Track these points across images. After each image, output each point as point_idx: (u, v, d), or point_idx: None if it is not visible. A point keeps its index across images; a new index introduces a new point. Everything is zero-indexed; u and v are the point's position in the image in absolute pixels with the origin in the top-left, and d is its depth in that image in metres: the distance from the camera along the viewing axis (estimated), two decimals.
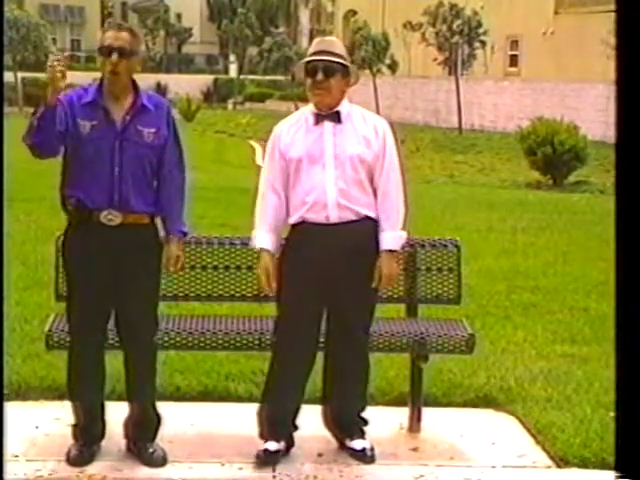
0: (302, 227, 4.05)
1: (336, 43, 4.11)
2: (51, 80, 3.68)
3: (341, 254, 4.00)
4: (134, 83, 3.98)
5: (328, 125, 4.03)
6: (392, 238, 4.06)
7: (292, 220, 4.08)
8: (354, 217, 4.01)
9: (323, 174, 3.99)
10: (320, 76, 3.97)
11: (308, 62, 4.01)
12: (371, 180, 4.05)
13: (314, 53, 4.03)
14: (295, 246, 4.08)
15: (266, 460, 4.09)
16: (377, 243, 4.05)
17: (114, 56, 3.84)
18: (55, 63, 3.68)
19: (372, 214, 4.04)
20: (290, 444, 4.20)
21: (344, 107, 4.06)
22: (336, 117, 4.03)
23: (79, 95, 3.95)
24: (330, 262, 4.00)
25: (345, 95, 4.07)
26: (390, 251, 4.06)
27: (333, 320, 4.12)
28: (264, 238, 4.11)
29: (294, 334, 4.08)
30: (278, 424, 4.17)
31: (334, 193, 3.98)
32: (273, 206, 4.09)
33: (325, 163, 4.00)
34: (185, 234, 4.11)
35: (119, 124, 3.92)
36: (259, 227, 4.13)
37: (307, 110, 4.09)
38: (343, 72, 4.02)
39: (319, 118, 4.03)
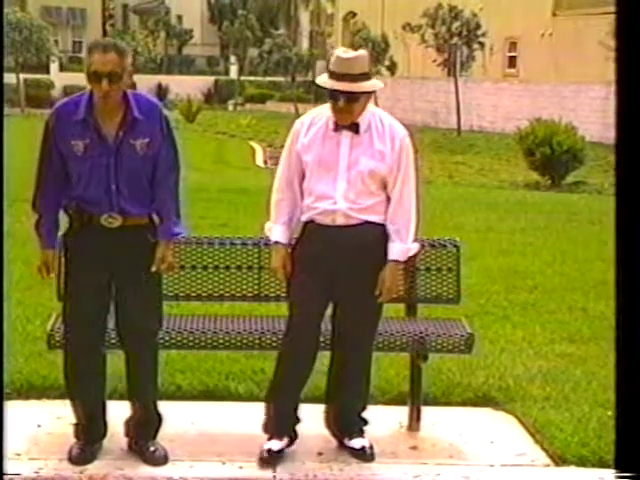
0: (310, 226, 4.09)
1: (358, 60, 3.91)
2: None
3: (346, 252, 4.03)
4: (124, 93, 3.92)
5: (346, 135, 4.00)
6: (400, 250, 4.08)
7: (302, 218, 4.12)
8: (361, 221, 4.04)
9: (334, 184, 4.01)
10: (342, 103, 3.91)
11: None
12: (383, 187, 4.06)
13: (335, 75, 3.90)
14: (303, 244, 4.12)
15: (269, 460, 4.12)
16: (383, 243, 4.07)
17: (104, 83, 3.79)
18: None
19: (380, 218, 4.06)
20: (294, 438, 4.23)
21: (365, 118, 4.00)
22: (355, 128, 4.01)
23: (69, 111, 3.93)
24: (335, 260, 4.03)
25: (368, 104, 4.01)
26: (395, 262, 4.09)
27: (338, 318, 4.15)
28: (278, 231, 4.14)
29: (301, 330, 4.12)
30: (285, 420, 4.20)
31: (343, 204, 4.01)
32: (288, 201, 4.12)
33: (338, 174, 4.00)
34: (176, 235, 4.12)
35: (112, 141, 3.90)
36: (274, 220, 4.16)
37: (329, 112, 4.03)
38: (367, 93, 3.96)
39: (338, 126, 4.01)
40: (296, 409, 4.23)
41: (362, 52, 4.01)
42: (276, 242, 4.15)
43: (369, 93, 3.98)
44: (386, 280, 4.07)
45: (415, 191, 4.11)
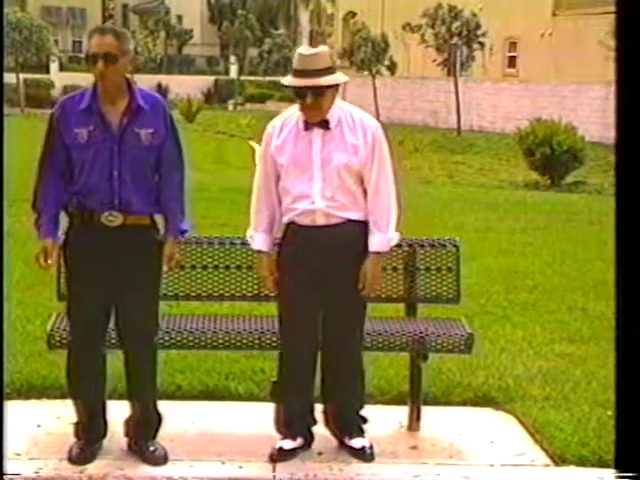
0: (292, 227, 4.10)
1: (320, 55, 3.95)
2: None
3: (328, 253, 4.03)
4: (128, 83, 3.96)
5: (317, 132, 4.02)
6: (379, 241, 4.07)
7: (283, 220, 4.13)
8: (341, 220, 4.05)
9: (310, 183, 4.02)
10: (309, 99, 3.94)
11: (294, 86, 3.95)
12: (360, 182, 4.06)
13: (299, 72, 3.94)
14: (286, 246, 4.14)
15: (279, 459, 4.12)
16: (365, 242, 4.07)
17: (100, 63, 3.83)
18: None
19: (360, 215, 4.06)
20: (309, 440, 4.23)
21: (334, 113, 4.02)
22: (325, 124, 4.02)
23: (73, 103, 3.96)
24: (318, 261, 4.04)
25: (335, 99, 4.04)
26: (377, 253, 4.09)
27: (325, 318, 4.15)
28: (260, 239, 4.16)
29: (294, 332, 4.13)
30: (296, 420, 4.21)
31: (322, 203, 4.02)
32: (267, 206, 4.14)
33: (313, 174, 4.02)
34: (183, 232, 4.13)
35: (116, 128, 3.92)
36: (255, 228, 4.18)
37: (299, 112, 4.06)
38: (333, 86, 3.98)
39: (309, 124, 4.03)
40: (309, 410, 4.24)
41: (323, 48, 4.04)
42: (259, 251, 4.16)
43: (335, 87, 4.01)
44: (367, 273, 4.06)
45: (394, 182, 4.11)
